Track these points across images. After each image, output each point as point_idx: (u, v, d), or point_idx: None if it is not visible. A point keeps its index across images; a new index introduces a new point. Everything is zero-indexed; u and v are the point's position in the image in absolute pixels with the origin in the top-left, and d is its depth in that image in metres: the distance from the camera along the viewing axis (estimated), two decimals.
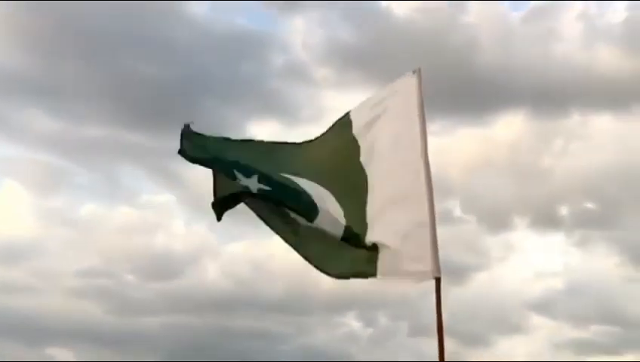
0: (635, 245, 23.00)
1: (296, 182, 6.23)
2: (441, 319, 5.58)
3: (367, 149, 6.31)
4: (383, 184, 6.12)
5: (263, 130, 26.19)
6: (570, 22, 26.06)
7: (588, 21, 26.14)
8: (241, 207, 6.27)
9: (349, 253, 6.01)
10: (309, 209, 6.07)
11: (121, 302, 23.15)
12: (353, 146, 6.36)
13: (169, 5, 24.38)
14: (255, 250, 24.31)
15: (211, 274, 24.33)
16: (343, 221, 6.04)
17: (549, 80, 24.21)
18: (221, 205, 6.15)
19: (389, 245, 5.83)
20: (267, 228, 6.33)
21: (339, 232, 5.99)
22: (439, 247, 5.72)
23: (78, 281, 23.39)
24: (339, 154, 6.41)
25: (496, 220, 24.06)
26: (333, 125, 6.56)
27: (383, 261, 5.84)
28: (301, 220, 6.12)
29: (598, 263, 24.25)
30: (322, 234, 6.04)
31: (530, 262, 24.85)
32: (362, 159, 6.29)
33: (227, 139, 6.53)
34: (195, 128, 6.29)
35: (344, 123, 6.48)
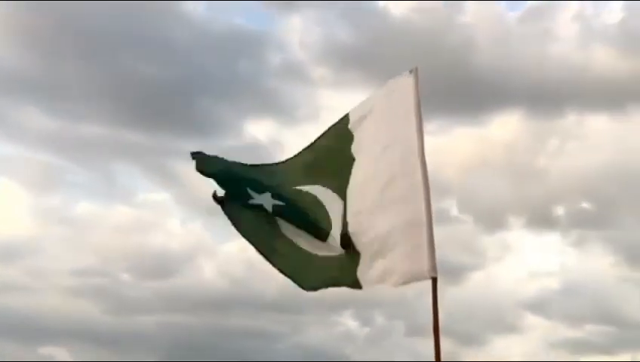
0: (630, 245, 23.07)
1: (308, 192, 6.31)
2: (438, 318, 5.57)
3: (357, 143, 6.37)
4: (378, 184, 6.12)
5: (260, 128, 26.24)
6: (566, 22, 26.13)
7: (584, 21, 26.23)
8: None
9: (333, 263, 6.05)
10: (322, 227, 6.15)
11: (116, 301, 23.15)
12: (347, 139, 6.42)
13: (166, 5, 24.39)
14: (251, 249, 24.03)
15: (207, 273, 24.35)
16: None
17: (545, 80, 24.28)
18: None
19: (383, 246, 5.86)
20: None
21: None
22: (435, 247, 5.72)
23: (73, 280, 23.39)
24: (334, 149, 6.47)
25: (493, 220, 24.12)
26: (332, 126, 6.60)
27: (375, 268, 5.88)
28: (296, 237, 6.17)
29: (593, 263, 24.33)
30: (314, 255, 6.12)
31: (526, 262, 24.91)
32: (353, 151, 6.36)
33: (238, 163, 6.56)
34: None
35: (342, 121, 6.53)
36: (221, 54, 25.84)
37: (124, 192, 26.22)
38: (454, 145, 24.86)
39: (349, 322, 22.80)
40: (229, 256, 24.56)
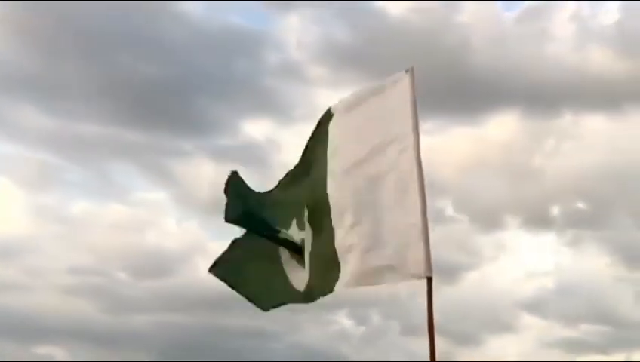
0: (626, 245, 23.13)
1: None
2: (433, 318, 5.58)
3: (333, 144, 6.34)
4: (372, 182, 6.11)
5: (257, 128, 26.22)
6: (562, 22, 26.19)
7: (580, 22, 26.30)
8: None
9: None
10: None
11: (113, 300, 23.16)
12: (324, 139, 6.40)
13: (164, 4, 24.43)
14: None
15: (203, 272, 24.14)
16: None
17: (542, 80, 24.32)
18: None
19: (377, 245, 5.87)
20: None
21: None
22: (431, 246, 5.72)
23: (70, 279, 23.40)
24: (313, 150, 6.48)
25: (488, 220, 24.17)
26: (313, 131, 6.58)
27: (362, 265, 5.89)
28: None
29: (589, 263, 24.38)
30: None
31: (522, 262, 24.97)
32: (328, 153, 6.33)
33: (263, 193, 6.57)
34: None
35: (325, 117, 6.49)
36: (218, 54, 25.90)
37: (121, 191, 26.27)
38: (450, 144, 24.93)
39: (344, 321, 22.86)
40: None
